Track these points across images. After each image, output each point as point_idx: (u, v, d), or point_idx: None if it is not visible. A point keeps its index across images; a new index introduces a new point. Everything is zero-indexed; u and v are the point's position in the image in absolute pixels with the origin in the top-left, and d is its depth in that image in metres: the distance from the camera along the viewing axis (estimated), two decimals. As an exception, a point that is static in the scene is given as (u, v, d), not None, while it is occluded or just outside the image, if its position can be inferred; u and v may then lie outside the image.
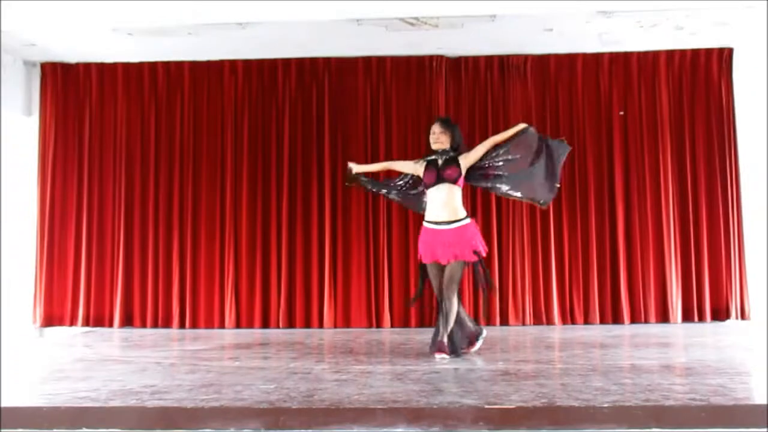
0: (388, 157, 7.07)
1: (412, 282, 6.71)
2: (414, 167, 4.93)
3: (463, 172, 4.75)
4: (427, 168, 4.79)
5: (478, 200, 6.99)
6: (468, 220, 4.74)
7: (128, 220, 7.18)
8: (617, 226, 7.02)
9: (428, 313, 6.62)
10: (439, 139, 4.80)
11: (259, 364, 4.64)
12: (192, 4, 5.68)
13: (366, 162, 7.03)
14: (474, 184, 5.00)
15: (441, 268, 4.72)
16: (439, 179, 4.71)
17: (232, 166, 7.18)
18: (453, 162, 4.75)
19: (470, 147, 4.96)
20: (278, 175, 7.16)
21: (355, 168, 5.11)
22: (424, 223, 4.78)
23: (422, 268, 4.86)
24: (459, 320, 4.76)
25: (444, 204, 4.69)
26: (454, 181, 4.71)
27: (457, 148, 4.83)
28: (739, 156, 7.07)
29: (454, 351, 4.64)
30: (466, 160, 4.79)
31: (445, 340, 4.62)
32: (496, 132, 7.03)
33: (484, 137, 7.02)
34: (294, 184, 7.15)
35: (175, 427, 3.01)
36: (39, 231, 7.19)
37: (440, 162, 4.77)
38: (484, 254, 4.75)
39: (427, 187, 4.77)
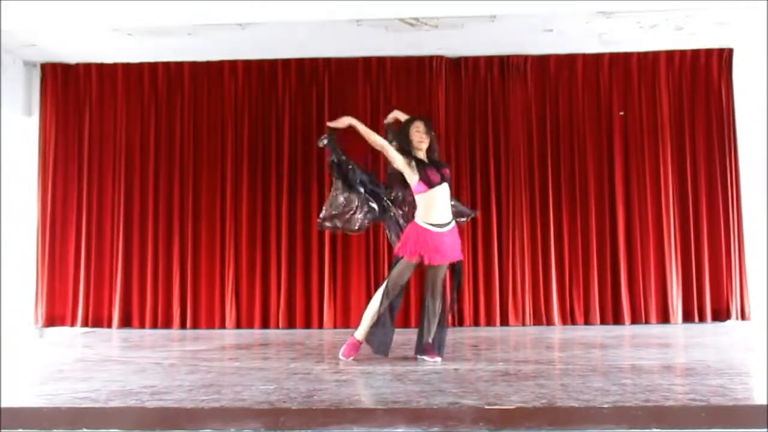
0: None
1: (413, 282, 6.66)
2: (404, 165, 4.50)
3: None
4: (425, 167, 4.49)
5: (478, 200, 6.99)
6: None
7: (128, 220, 7.18)
8: (617, 226, 7.02)
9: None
10: (425, 139, 4.55)
11: (259, 364, 4.64)
12: (192, 4, 5.68)
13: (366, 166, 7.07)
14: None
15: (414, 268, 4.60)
16: (443, 179, 4.52)
17: (232, 167, 7.18)
18: (441, 163, 4.64)
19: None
20: (278, 176, 7.16)
21: (348, 120, 4.59)
22: (432, 228, 4.44)
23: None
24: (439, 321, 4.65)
25: (446, 203, 4.54)
26: (449, 181, 4.61)
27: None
28: (739, 156, 7.07)
29: (439, 352, 4.59)
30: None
31: (430, 339, 4.59)
32: (496, 133, 7.12)
33: (485, 138, 7.15)
34: (294, 185, 7.15)
35: (175, 428, 3.01)
36: (40, 231, 7.19)
37: (428, 161, 4.56)
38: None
39: (433, 186, 4.46)
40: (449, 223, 4.54)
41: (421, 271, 4.70)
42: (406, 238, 4.52)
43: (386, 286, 4.58)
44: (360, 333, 4.64)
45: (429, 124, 4.64)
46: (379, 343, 4.61)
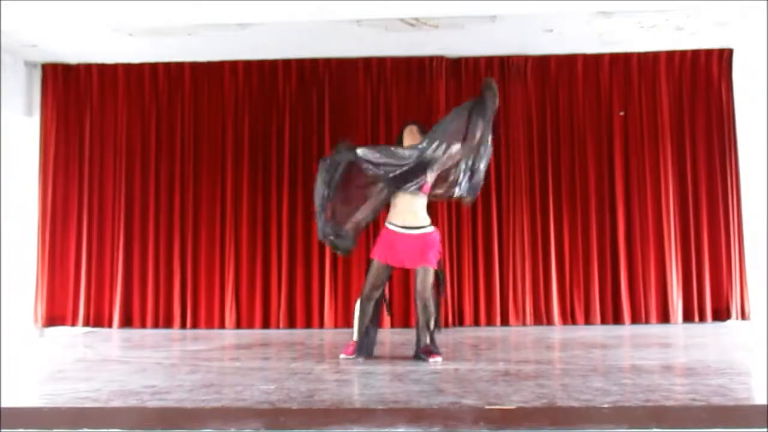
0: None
1: (413, 282, 6.67)
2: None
3: (430, 181, 4.63)
4: None
5: (478, 200, 6.98)
6: (431, 228, 4.64)
7: (129, 220, 7.19)
8: (617, 226, 7.02)
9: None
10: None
11: (260, 364, 4.64)
12: (192, 5, 5.69)
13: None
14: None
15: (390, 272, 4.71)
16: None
17: (232, 167, 7.19)
18: (421, 170, 4.61)
19: None
20: (278, 176, 7.16)
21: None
22: (389, 226, 4.62)
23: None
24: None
25: (409, 210, 4.59)
26: (420, 189, 4.59)
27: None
28: (739, 156, 7.07)
29: (438, 352, 4.60)
30: (432, 173, 4.64)
31: (428, 341, 4.60)
32: (496, 133, 7.11)
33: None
34: (294, 185, 7.15)
35: (176, 428, 3.01)
36: (40, 231, 7.20)
37: None
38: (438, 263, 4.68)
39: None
40: (413, 228, 4.58)
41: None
42: (376, 240, 4.72)
43: (363, 289, 4.73)
44: (355, 334, 4.71)
45: (423, 129, 4.78)
46: (367, 344, 4.70)
